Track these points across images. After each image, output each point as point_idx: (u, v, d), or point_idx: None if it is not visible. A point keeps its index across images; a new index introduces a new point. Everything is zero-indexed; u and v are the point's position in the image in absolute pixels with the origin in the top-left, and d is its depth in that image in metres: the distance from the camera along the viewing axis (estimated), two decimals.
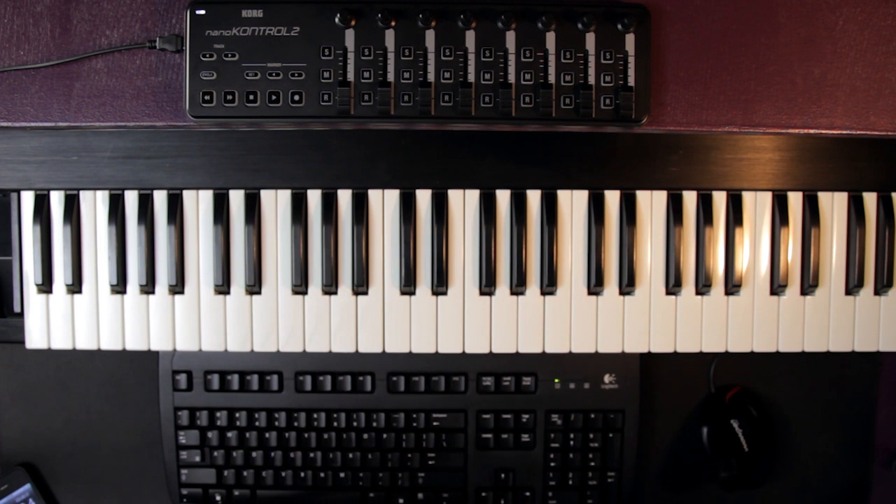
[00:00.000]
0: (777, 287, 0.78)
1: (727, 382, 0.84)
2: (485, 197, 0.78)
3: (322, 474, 0.82)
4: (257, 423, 0.82)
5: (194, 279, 0.78)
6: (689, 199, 0.78)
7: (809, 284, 0.78)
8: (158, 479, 0.83)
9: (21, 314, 0.79)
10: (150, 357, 0.81)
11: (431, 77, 0.70)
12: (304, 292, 0.77)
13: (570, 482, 0.82)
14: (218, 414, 0.81)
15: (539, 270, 0.78)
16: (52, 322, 0.78)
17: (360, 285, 0.77)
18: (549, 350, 0.79)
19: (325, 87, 0.71)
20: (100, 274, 0.78)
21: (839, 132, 0.74)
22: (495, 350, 0.79)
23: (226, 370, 0.80)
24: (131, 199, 0.77)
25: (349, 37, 0.70)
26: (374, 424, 0.81)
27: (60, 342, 0.78)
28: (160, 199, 0.78)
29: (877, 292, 0.79)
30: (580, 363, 0.81)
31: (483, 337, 0.79)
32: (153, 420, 0.82)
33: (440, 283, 0.77)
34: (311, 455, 0.82)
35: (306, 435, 0.82)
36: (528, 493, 0.82)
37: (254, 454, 0.82)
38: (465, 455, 0.82)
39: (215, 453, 0.82)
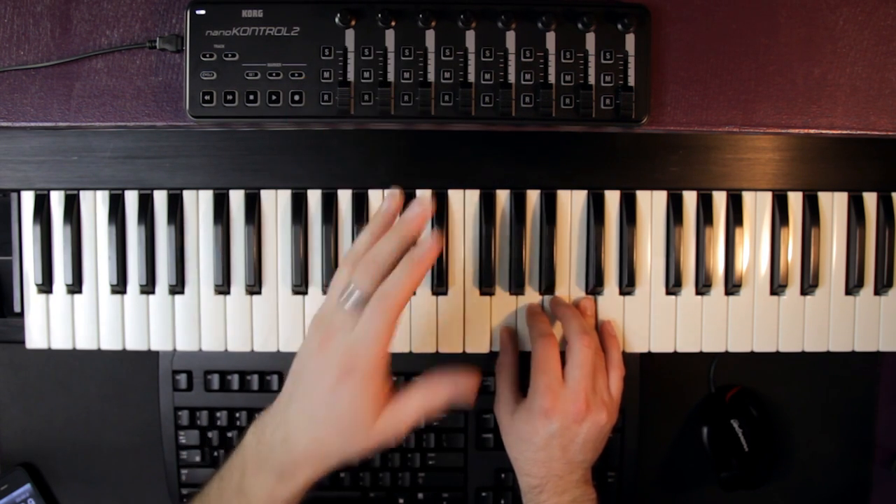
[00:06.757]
0: (777, 287, 0.78)
1: (727, 382, 0.84)
2: (485, 197, 0.78)
3: None
4: None
5: (194, 279, 0.78)
6: (689, 199, 0.78)
7: (809, 284, 0.78)
8: (158, 479, 0.83)
9: (21, 314, 0.79)
10: (150, 357, 0.81)
11: (431, 77, 0.70)
12: (305, 292, 0.77)
13: None
14: (218, 414, 0.81)
15: (539, 270, 0.78)
16: (52, 322, 0.78)
17: None
18: None
19: (325, 87, 0.71)
20: (100, 274, 0.78)
21: (839, 132, 0.74)
22: (496, 350, 0.79)
23: (226, 370, 0.80)
24: (131, 199, 0.77)
25: (349, 37, 0.70)
26: None
27: (60, 342, 0.78)
28: (160, 199, 0.78)
29: (877, 292, 0.79)
30: None
31: (483, 337, 0.79)
32: (153, 420, 0.82)
33: (440, 283, 0.77)
34: None
35: None
36: None
37: None
38: (465, 455, 0.82)
39: (216, 453, 0.81)
